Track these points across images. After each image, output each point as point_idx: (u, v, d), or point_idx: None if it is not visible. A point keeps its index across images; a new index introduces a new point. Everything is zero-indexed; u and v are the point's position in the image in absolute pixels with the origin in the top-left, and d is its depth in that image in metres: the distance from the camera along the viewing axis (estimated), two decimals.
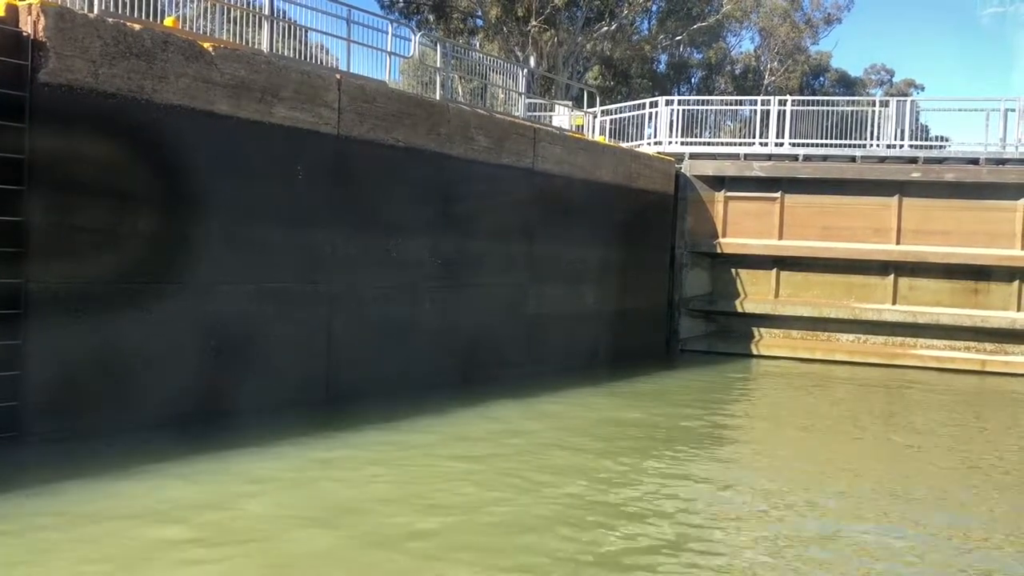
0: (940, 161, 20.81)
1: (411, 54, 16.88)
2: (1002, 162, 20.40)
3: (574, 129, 21.72)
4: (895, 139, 21.44)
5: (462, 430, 11.51)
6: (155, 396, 10.42)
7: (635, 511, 8.40)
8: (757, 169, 21.23)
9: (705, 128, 23.75)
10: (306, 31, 15.51)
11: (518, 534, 7.58)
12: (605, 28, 37.79)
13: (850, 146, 21.47)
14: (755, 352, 21.22)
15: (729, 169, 21.51)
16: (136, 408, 10.24)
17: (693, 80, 49.10)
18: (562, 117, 23.46)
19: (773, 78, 49.87)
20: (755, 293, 21.44)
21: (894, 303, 20.64)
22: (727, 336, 21.70)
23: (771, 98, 22.80)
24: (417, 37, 17.17)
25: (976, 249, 19.90)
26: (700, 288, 21.77)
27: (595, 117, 23.38)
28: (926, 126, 23.67)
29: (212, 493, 8.24)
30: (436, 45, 18.22)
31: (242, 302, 11.43)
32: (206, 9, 14.07)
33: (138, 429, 10.02)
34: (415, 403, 12.58)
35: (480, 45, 37.07)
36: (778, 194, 21.16)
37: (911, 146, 21.37)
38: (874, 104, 22.92)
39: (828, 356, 20.71)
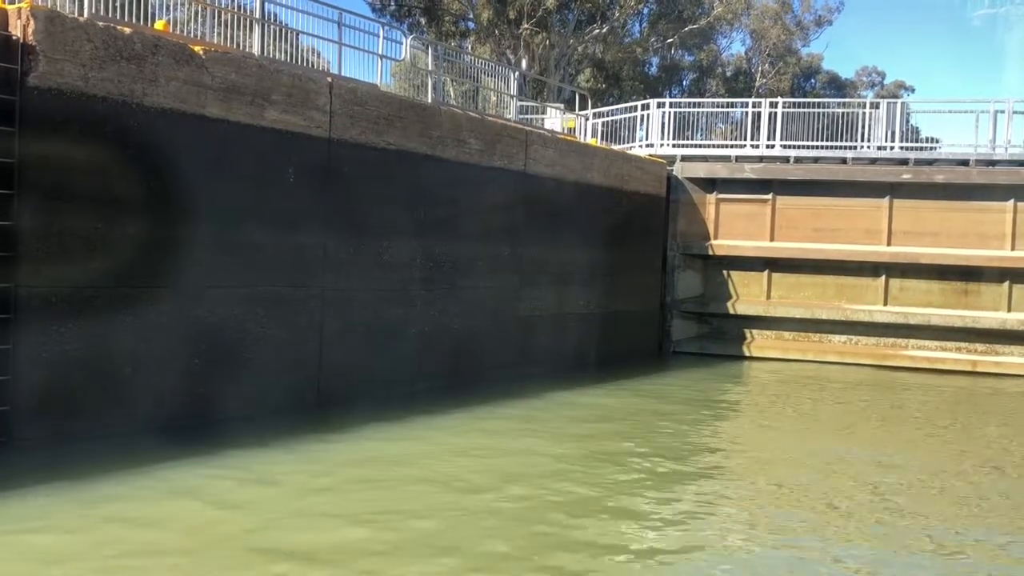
0: (931, 163, 20.89)
1: (402, 57, 16.87)
2: (992, 163, 20.49)
3: (566, 132, 21.74)
4: (886, 141, 21.51)
5: (453, 433, 11.52)
6: (146, 400, 10.39)
7: (623, 510, 8.43)
8: (748, 171, 21.29)
9: (697, 130, 23.80)
10: (297, 34, 15.49)
11: (513, 540, 7.59)
12: (596, 31, 37.86)
13: (841, 148, 21.54)
14: (747, 354, 21.26)
15: (721, 171, 21.56)
16: (126, 412, 10.20)
17: (684, 82, 49.19)
18: (554, 120, 23.49)
19: (764, 80, 50.01)
20: (747, 295, 21.49)
21: (885, 304, 20.70)
22: (719, 338, 21.73)
23: (762, 100, 22.86)
24: (408, 40, 17.15)
25: (966, 250, 19.98)
26: (692, 290, 21.81)
27: (587, 120, 23.41)
28: (916, 128, 23.75)
29: (198, 496, 8.23)
30: (428, 48, 18.23)
31: (233, 306, 11.41)
32: (197, 12, 14.04)
33: (128, 433, 9.99)
34: (406, 406, 12.58)
35: (472, 48, 37.08)
36: (769, 196, 21.22)
37: (902, 148, 21.45)
38: (865, 106, 23.01)
39: (820, 357, 20.76)
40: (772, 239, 21.20)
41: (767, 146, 21.74)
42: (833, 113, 22.25)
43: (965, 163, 20.54)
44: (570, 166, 17.75)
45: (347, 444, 10.62)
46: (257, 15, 13.49)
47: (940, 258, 20.08)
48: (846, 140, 21.67)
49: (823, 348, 21.01)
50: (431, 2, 36.21)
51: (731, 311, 21.37)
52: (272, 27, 14.85)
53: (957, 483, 10.29)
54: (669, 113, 22.63)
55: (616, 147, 21.93)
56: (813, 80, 54.98)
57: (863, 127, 21.74)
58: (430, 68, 17.03)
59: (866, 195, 20.72)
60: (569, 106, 25.95)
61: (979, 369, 19.83)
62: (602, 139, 22.98)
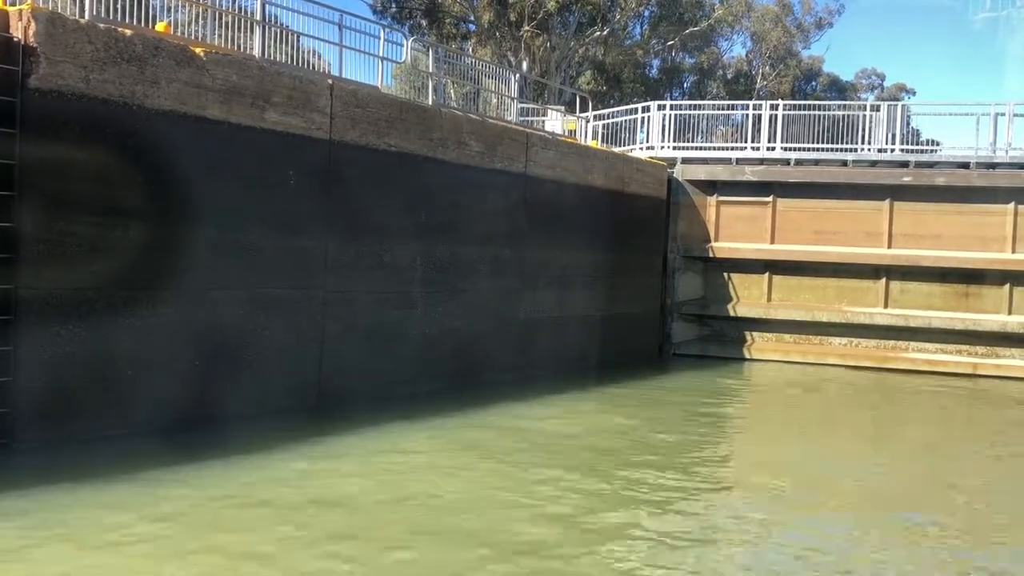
0: (931, 165, 20.88)
1: (403, 59, 16.88)
2: (992, 166, 20.48)
3: (567, 134, 21.74)
4: (886, 143, 21.51)
5: (453, 436, 11.52)
6: (147, 402, 10.38)
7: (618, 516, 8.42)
8: (749, 173, 21.28)
9: (697, 133, 23.80)
10: (298, 36, 15.50)
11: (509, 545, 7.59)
12: (597, 33, 37.86)
13: (842, 150, 21.53)
14: (748, 356, 21.24)
15: (721, 173, 21.55)
16: (128, 414, 10.20)
17: (685, 85, 49.19)
18: (555, 122, 23.47)
19: (765, 83, 50.02)
20: (747, 297, 21.48)
21: (886, 307, 20.68)
22: (720, 340, 21.72)
23: (763, 103, 22.86)
24: (409, 42, 17.15)
25: (967, 253, 19.97)
26: (692, 292, 21.79)
27: (588, 122, 23.41)
28: (917, 130, 23.76)
29: (196, 499, 8.23)
30: (428, 50, 18.24)
31: (234, 308, 11.40)
32: (198, 14, 14.05)
33: (130, 435, 9.98)
34: (406, 409, 12.57)
35: (473, 50, 37.09)
36: (770, 198, 21.21)
37: (902, 150, 21.45)
38: (865, 108, 23.00)
39: (820, 360, 20.73)
40: (773, 241, 21.19)
41: (768, 148, 21.74)
42: (834, 115, 22.24)
43: (966, 166, 20.54)
44: (571, 168, 17.75)
45: (346, 446, 10.60)
46: (258, 17, 13.50)
47: (941, 260, 20.07)
48: (847, 143, 21.66)
49: (823, 350, 20.99)
50: (432, 4, 36.23)
51: (731, 313, 21.36)
52: (273, 29, 14.86)
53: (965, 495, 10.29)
54: (670, 115, 22.62)
55: (617, 149, 21.93)
56: (814, 82, 54.97)
57: (864, 130, 21.74)
58: (431, 70, 17.04)
59: (867, 197, 20.71)
60: (570, 108, 25.96)
61: (980, 372, 19.81)
62: (603, 141, 22.98)
